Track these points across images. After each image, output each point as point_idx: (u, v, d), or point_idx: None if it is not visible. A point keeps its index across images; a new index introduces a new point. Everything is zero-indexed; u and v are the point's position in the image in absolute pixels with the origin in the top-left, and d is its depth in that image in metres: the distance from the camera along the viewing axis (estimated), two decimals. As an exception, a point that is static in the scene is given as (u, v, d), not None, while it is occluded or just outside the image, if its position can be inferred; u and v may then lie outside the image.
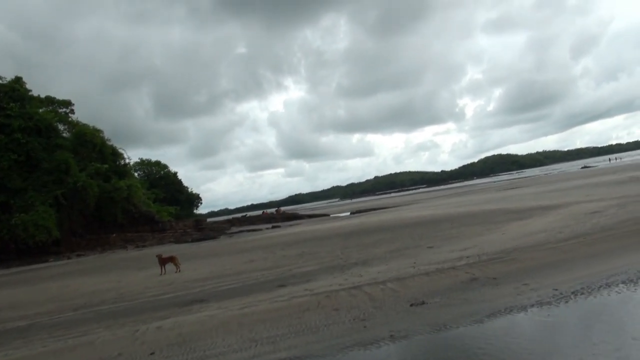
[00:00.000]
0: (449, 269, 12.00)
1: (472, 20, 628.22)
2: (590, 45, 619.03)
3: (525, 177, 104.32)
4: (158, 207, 65.72)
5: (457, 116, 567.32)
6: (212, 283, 15.68)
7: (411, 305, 9.57)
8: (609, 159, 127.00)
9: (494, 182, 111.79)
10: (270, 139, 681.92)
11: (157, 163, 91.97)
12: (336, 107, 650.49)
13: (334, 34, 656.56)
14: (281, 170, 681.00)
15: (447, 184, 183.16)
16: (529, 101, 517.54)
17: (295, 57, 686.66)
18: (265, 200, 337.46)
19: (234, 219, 68.11)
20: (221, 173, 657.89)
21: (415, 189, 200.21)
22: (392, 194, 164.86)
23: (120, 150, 60.81)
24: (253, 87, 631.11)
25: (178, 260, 20.20)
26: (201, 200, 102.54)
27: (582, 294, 8.79)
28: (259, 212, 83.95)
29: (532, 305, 8.48)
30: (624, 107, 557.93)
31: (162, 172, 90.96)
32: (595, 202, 23.60)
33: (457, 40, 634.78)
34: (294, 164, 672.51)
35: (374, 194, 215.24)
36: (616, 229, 14.76)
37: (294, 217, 61.95)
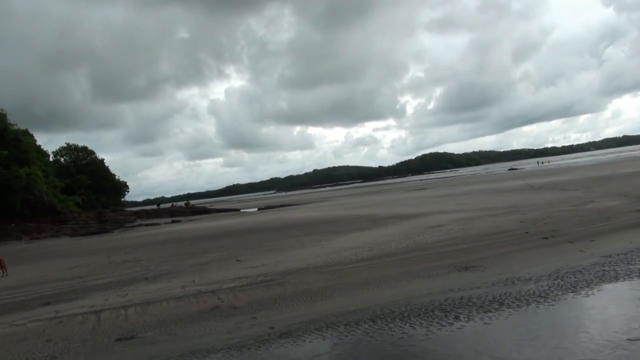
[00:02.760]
0: (207, 293, 11.08)
1: (416, 18, 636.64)
2: (532, 51, 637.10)
3: (450, 177, 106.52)
4: (63, 197, 63.22)
5: (398, 113, 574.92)
6: (4, 294, 14.48)
7: (118, 339, 8.62)
8: (537, 162, 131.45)
9: (422, 180, 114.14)
10: (210, 128, 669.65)
11: (84, 149, 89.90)
12: (278, 98, 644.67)
13: (278, 24, 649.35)
14: (220, 159, 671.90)
15: (382, 180, 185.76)
16: (468, 101, 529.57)
17: (238, 45, 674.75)
18: (202, 190, 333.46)
19: (141, 210, 66.42)
20: (159, 160, 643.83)
21: (350, 183, 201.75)
22: (327, 188, 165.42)
23: (26, 135, 58.34)
24: (194, 73, 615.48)
25: (5, 264, 19.52)
26: (128, 188, 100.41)
27: (289, 336, 7.87)
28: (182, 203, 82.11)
29: (223, 349, 7.54)
30: (562, 112, 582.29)
31: (88, 158, 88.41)
32: (457, 212, 23.46)
33: (400, 38, 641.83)
34: (233, 153, 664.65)
35: (311, 187, 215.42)
36: (425, 250, 14.22)
37: (202, 211, 60.42)
